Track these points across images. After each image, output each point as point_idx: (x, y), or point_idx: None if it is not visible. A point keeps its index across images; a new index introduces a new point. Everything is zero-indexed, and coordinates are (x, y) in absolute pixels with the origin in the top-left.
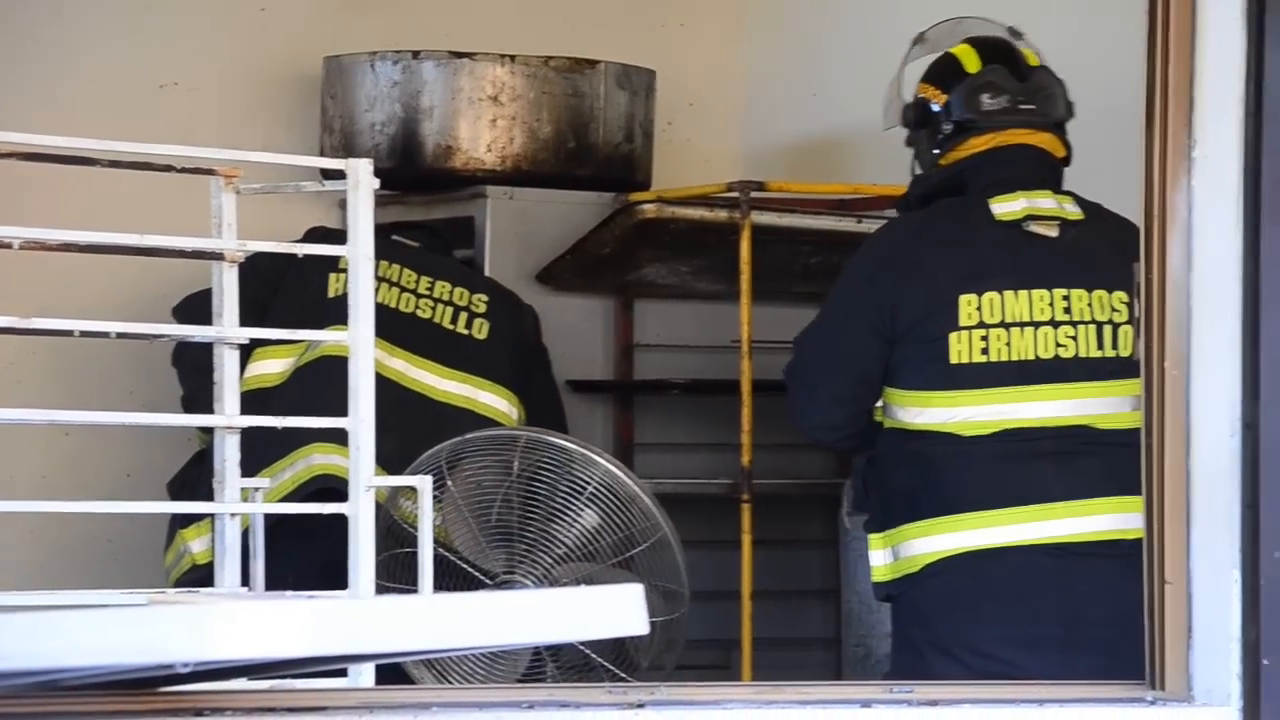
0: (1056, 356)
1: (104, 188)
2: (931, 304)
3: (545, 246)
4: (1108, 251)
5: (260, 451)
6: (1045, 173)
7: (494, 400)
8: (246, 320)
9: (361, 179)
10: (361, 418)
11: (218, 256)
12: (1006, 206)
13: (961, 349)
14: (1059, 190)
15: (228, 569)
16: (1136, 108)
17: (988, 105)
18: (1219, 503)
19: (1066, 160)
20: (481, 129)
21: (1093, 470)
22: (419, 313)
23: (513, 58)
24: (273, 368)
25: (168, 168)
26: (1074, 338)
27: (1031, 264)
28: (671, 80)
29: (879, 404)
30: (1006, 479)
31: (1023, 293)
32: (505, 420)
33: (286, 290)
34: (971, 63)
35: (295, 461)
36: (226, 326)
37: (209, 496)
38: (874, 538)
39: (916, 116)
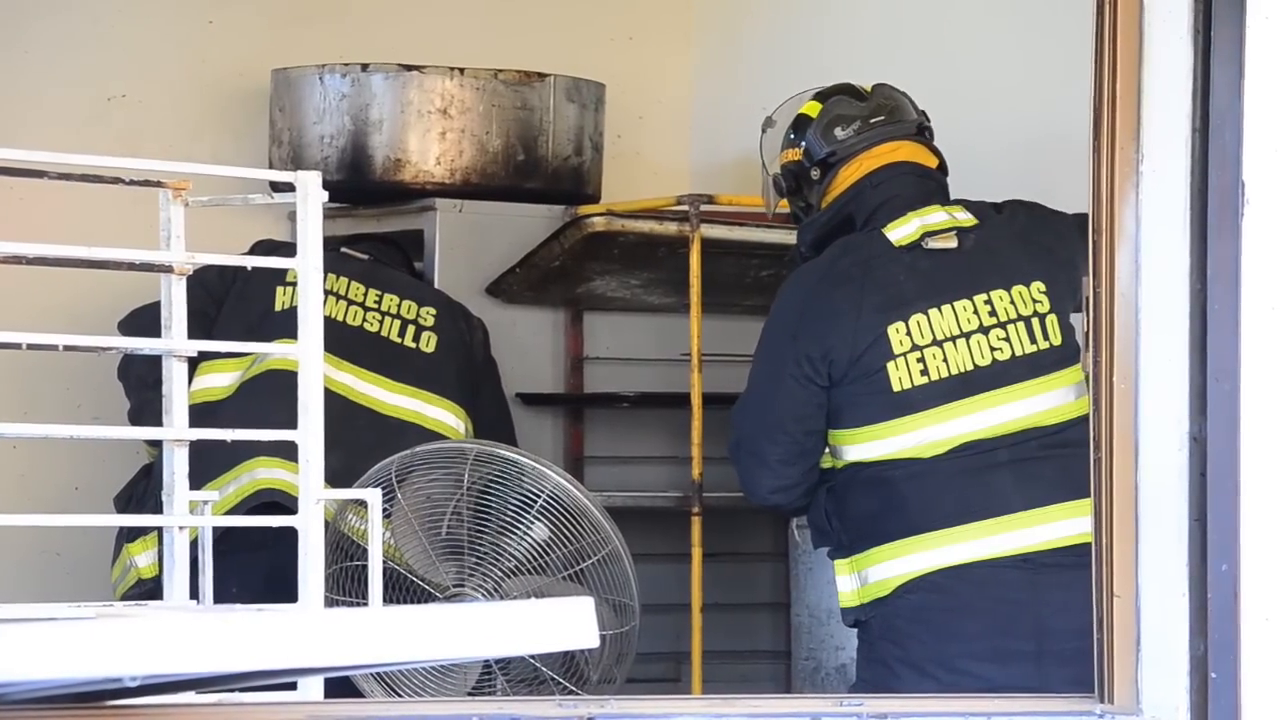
0: (994, 361)
1: (52, 200)
2: (861, 341)
3: (495, 259)
4: (1011, 248)
5: (205, 465)
6: (928, 186)
7: (442, 414)
8: (193, 334)
9: (310, 192)
10: (310, 431)
11: (166, 269)
12: (901, 231)
13: (901, 375)
14: (946, 201)
15: (176, 582)
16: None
17: (841, 135)
18: (1167, 516)
19: (943, 169)
20: (431, 142)
21: (1049, 475)
22: (367, 326)
23: (462, 70)
24: (219, 381)
25: (116, 180)
26: (1006, 339)
27: (943, 279)
28: (621, 93)
29: (825, 451)
30: (968, 493)
31: (945, 308)
32: (453, 434)
33: (233, 303)
34: (813, 109)
35: (239, 475)
36: (175, 339)
37: (157, 509)
38: (840, 564)
39: (788, 181)
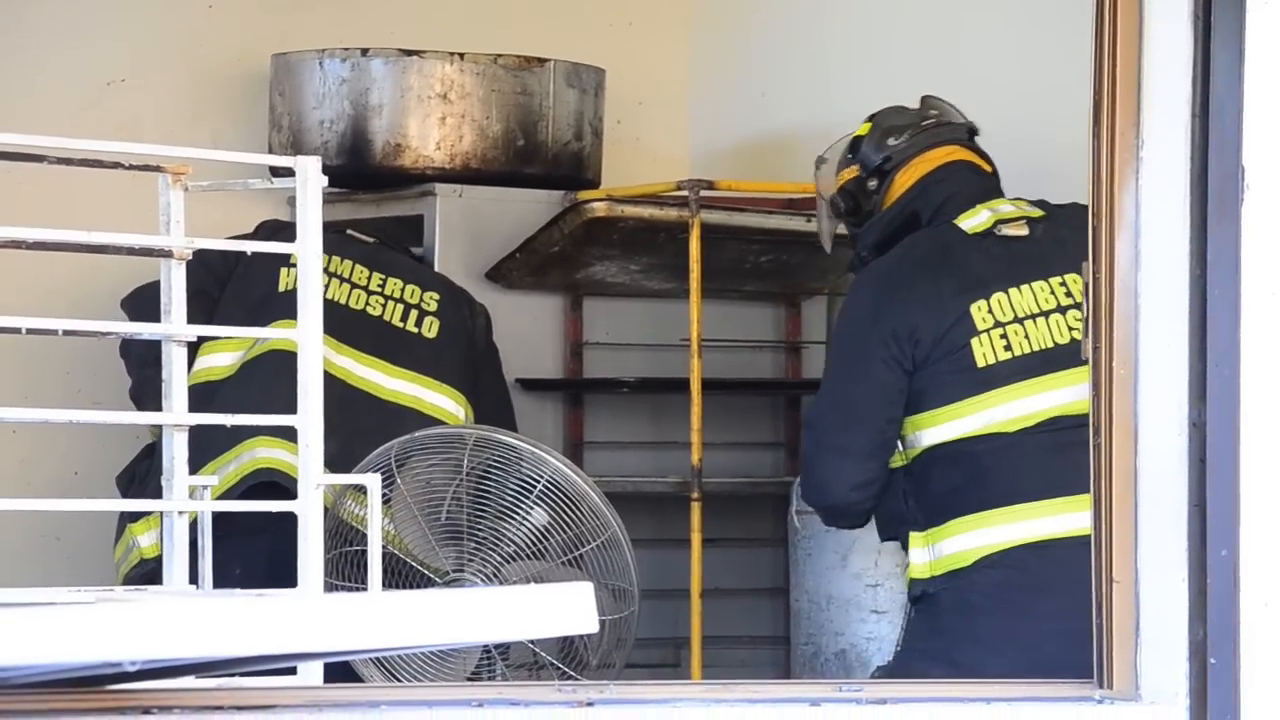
0: (1074, 340)
1: (52, 185)
2: (945, 319)
3: (494, 245)
4: (1077, 237)
5: (205, 444)
6: (989, 183)
7: (441, 400)
8: (196, 313)
9: (310, 176)
10: (310, 414)
11: (166, 254)
12: (973, 220)
13: (985, 351)
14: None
15: (176, 566)
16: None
17: (894, 142)
18: (1167, 502)
19: (995, 175)
20: (430, 127)
21: None
22: (369, 310)
23: (462, 55)
24: (221, 361)
25: (116, 165)
26: (1073, 327)
27: (1020, 262)
28: (621, 79)
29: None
30: (1053, 469)
31: (1024, 287)
32: (453, 420)
33: (236, 284)
34: (865, 129)
35: (240, 454)
36: (175, 324)
37: (158, 490)
38: (914, 536)
39: (845, 200)
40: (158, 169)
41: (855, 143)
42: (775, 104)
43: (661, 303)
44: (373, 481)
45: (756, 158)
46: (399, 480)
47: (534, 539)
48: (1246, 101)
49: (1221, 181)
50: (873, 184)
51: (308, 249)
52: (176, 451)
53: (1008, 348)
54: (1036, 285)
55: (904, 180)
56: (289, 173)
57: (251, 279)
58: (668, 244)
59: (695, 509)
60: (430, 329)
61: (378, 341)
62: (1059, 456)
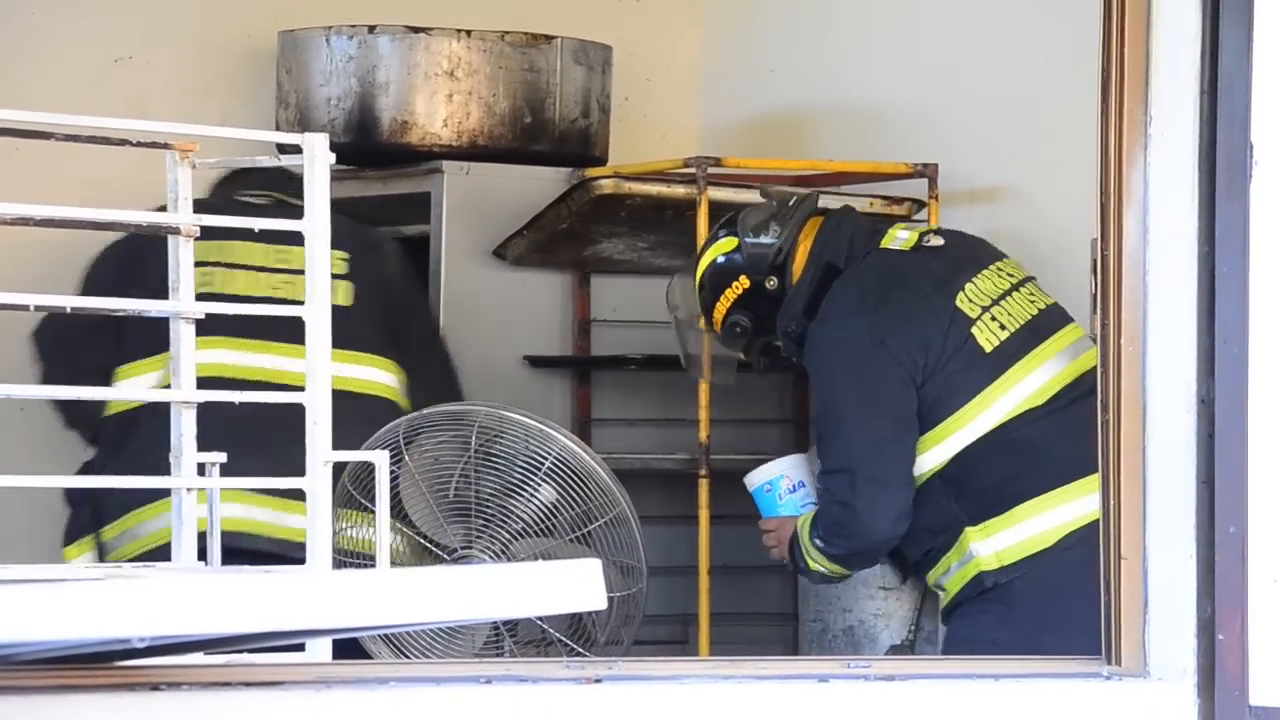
0: (1039, 312)
1: (59, 162)
2: (941, 319)
3: (502, 222)
4: (972, 242)
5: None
6: (870, 221)
7: (374, 374)
8: (104, 339)
9: (318, 154)
10: (319, 392)
11: (174, 231)
12: (898, 240)
13: (987, 336)
14: None
15: (184, 544)
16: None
17: (775, 229)
18: (1175, 478)
19: None
20: (438, 104)
21: None
22: (274, 293)
23: (469, 32)
24: (139, 389)
25: (123, 142)
26: (1032, 299)
27: (955, 262)
28: (628, 56)
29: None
30: (1091, 434)
31: (976, 278)
32: (391, 394)
33: (139, 288)
34: (728, 244)
35: (130, 525)
36: (183, 301)
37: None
38: (970, 532)
39: (746, 314)
40: (165, 146)
41: (729, 261)
42: (784, 81)
43: (669, 280)
44: (380, 458)
45: (764, 135)
46: (406, 458)
47: (542, 516)
48: (1255, 78)
49: (1230, 158)
50: (771, 282)
51: (316, 226)
52: (185, 429)
53: (1002, 327)
54: (981, 275)
55: (802, 250)
56: (296, 150)
57: (147, 285)
58: (675, 221)
59: (703, 486)
60: (345, 296)
61: (293, 326)
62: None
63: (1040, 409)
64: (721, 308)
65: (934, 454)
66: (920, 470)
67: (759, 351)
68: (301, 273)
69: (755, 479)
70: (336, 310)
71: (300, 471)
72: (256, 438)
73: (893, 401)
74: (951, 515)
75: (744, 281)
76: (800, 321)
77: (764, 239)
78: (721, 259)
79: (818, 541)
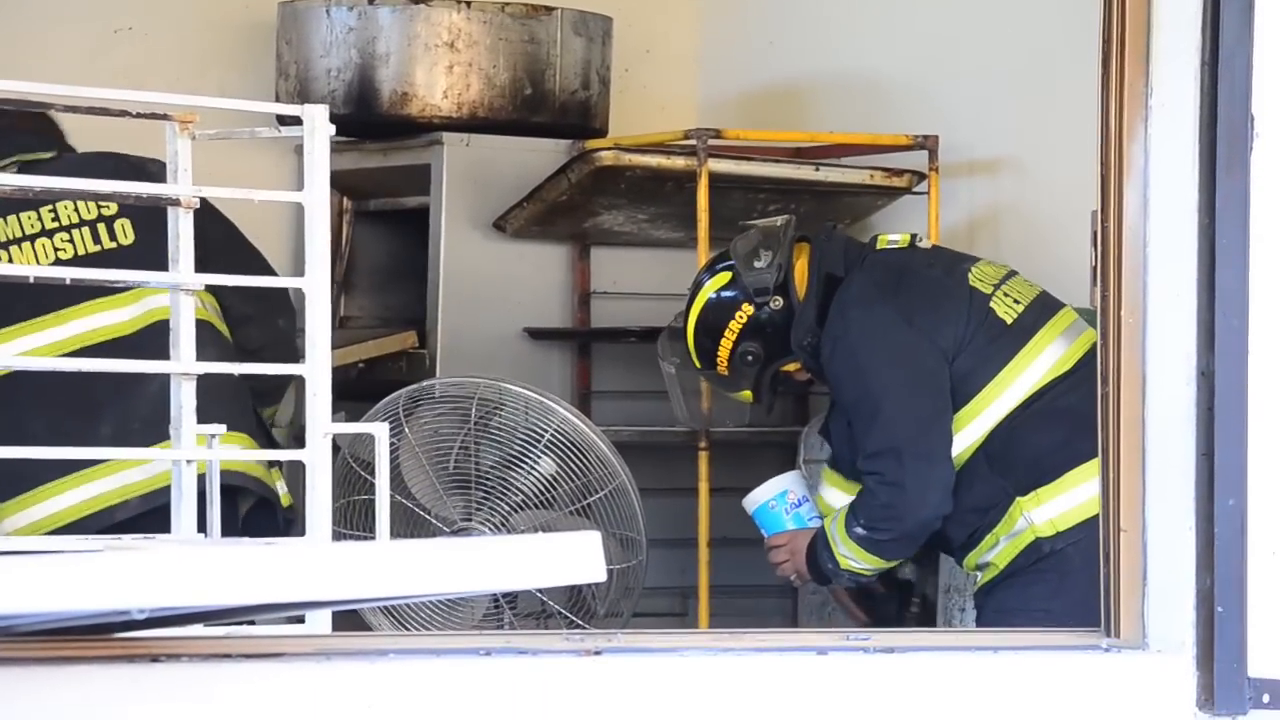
0: (1041, 292)
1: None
2: (960, 295)
3: (502, 194)
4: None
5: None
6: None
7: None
8: None
9: (318, 125)
10: (318, 363)
11: (173, 202)
12: (893, 238)
13: (1005, 309)
14: None
15: (184, 516)
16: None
17: (767, 255)
18: (1174, 451)
19: None
20: (438, 75)
21: None
22: (61, 254)
23: (469, 4)
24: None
25: (123, 113)
26: (1028, 283)
27: (953, 255)
28: (629, 27)
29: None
30: None
31: (976, 266)
32: (212, 321)
33: None
34: (723, 278)
35: (43, 498)
36: (183, 272)
37: None
38: (1022, 501)
39: (756, 340)
40: (165, 117)
41: (730, 294)
42: (783, 53)
43: (669, 252)
44: (380, 430)
45: (764, 107)
46: (406, 430)
47: (542, 488)
48: (1256, 50)
49: (1230, 130)
50: (776, 302)
51: (315, 197)
52: (185, 400)
53: (1016, 301)
54: (978, 264)
55: (800, 266)
56: (296, 121)
57: None
58: (675, 193)
59: (703, 458)
60: (125, 234)
61: (88, 285)
62: None
63: (1072, 376)
64: (727, 343)
65: (973, 429)
66: (960, 448)
67: (769, 381)
68: (79, 225)
69: (758, 497)
70: (124, 252)
71: (140, 421)
72: (87, 403)
73: (930, 378)
74: (998, 489)
75: (747, 310)
76: (814, 332)
77: (760, 264)
78: (719, 294)
79: (859, 530)
